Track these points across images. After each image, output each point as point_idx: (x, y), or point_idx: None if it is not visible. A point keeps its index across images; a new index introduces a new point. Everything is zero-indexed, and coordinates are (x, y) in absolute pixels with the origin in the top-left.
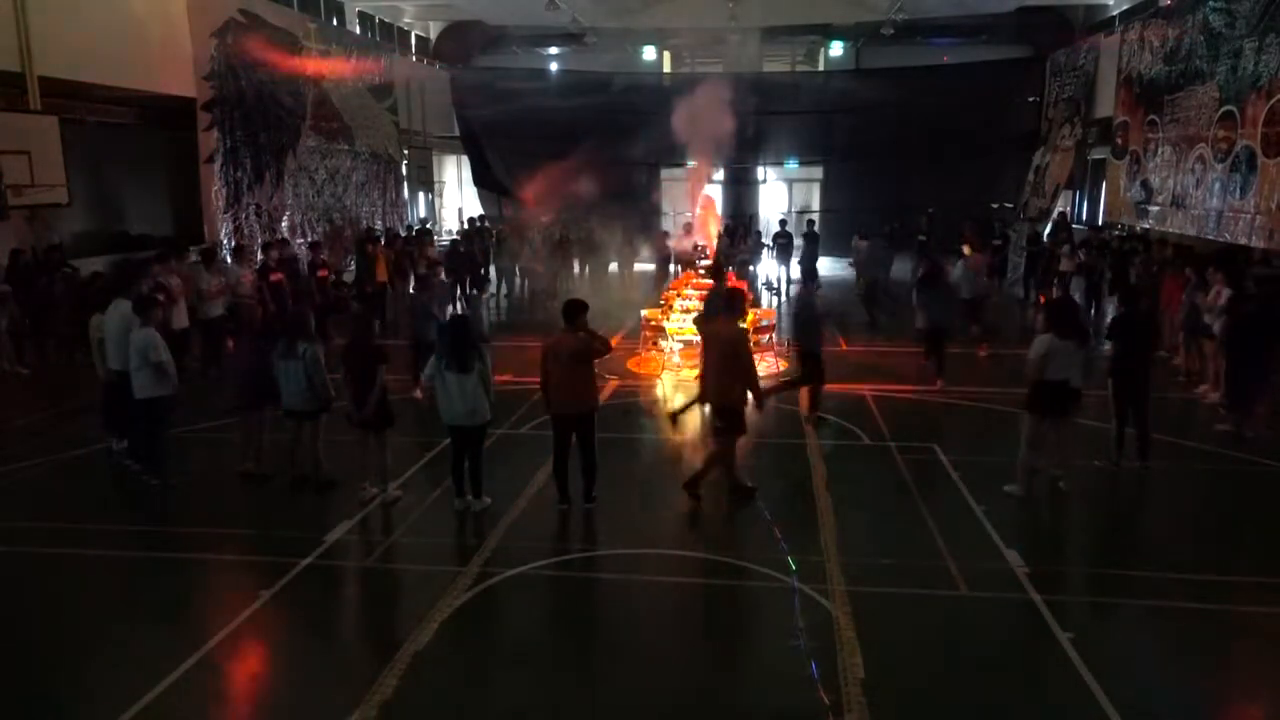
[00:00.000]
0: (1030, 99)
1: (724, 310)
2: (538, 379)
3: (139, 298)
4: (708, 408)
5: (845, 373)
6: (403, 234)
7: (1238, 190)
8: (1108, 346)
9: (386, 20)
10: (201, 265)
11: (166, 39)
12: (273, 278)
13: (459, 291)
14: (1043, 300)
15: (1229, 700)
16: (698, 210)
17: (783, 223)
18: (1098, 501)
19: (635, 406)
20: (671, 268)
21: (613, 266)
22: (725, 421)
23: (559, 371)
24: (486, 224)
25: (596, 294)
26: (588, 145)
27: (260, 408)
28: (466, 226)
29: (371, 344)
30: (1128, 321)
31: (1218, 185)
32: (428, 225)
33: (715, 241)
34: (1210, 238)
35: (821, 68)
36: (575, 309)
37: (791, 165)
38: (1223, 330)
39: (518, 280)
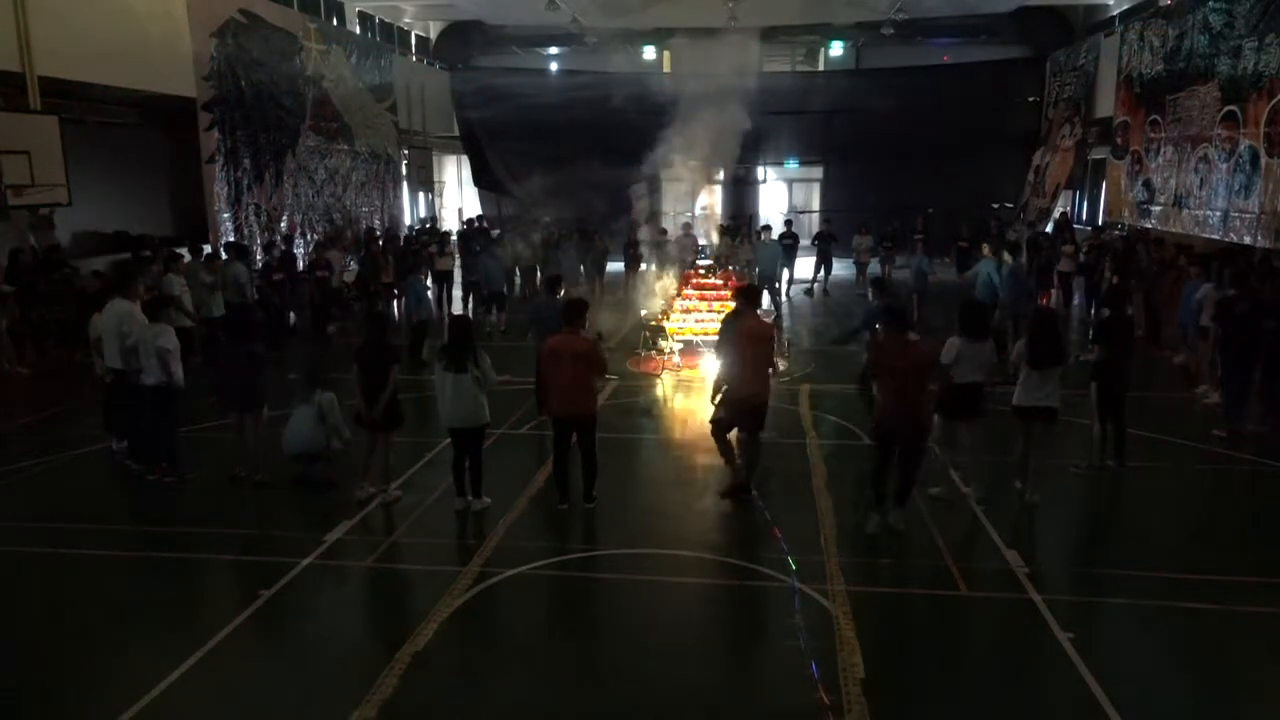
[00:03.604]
0: (1030, 99)
1: (747, 305)
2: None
3: (149, 304)
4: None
5: (847, 372)
6: (403, 235)
7: (1242, 190)
8: (1093, 350)
9: (386, 20)
10: (201, 265)
11: (166, 39)
12: (274, 277)
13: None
14: (1044, 301)
15: (1229, 700)
16: (699, 212)
17: (788, 223)
18: (1097, 502)
19: (635, 407)
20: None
21: (613, 266)
22: (758, 418)
23: (561, 373)
24: (484, 224)
25: (596, 294)
26: (587, 145)
27: (248, 410)
28: (466, 228)
29: (386, 343)
30: (1114, 325)
31: (1222, 185)
32: (430, 225)
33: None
34: (1216, 237)
35: (821, 68)
36: (578, 309)
37: (791, 165)
38: (1217, 330)
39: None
